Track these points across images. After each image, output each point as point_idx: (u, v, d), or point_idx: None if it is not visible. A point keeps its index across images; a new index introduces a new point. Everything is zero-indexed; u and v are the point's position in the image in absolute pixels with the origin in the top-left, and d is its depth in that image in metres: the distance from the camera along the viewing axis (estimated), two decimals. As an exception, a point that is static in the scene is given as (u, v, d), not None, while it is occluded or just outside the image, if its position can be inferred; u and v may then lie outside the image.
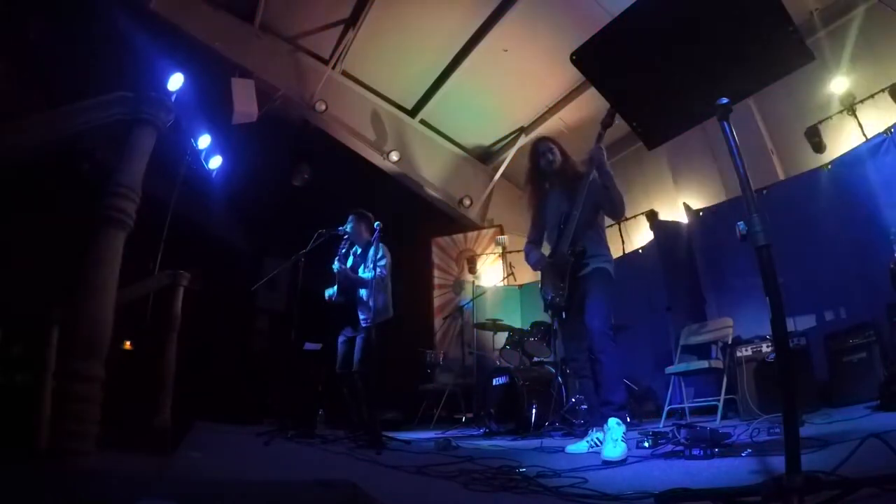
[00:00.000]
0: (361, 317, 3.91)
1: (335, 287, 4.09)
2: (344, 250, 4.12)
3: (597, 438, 2.62)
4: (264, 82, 6.09)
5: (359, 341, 3.87)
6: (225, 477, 2.10)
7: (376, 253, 3.78)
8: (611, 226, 6.10)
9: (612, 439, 2.27)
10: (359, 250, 4.16)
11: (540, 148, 3.03)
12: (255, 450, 3.09)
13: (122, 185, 1.42)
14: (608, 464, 2.15)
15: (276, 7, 6.00)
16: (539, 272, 2.99)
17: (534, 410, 4.06)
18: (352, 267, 4.09)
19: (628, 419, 4.24)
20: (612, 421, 2.38)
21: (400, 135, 7.29)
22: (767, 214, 1.28)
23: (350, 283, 4.01)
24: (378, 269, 3.79)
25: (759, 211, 1.30)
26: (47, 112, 1.44)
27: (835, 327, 3.82)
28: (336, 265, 4.03)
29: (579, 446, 2.69)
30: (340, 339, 4.08)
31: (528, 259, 3.10)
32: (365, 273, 3.95)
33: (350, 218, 4.15)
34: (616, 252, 6.18)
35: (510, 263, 7.34)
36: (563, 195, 2.90)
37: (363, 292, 3.93)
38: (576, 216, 2.70)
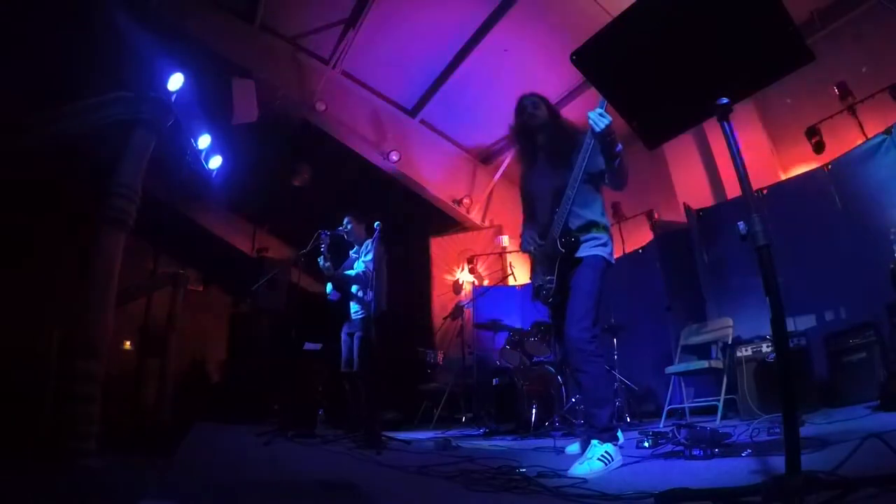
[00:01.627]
0: (353, 310, 4.09)
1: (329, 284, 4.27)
2: (353, 252, 4.25)
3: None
4: (264, 82, 6.07)
5: (356, 341, 3.93)
6: (225, 477, 2.10)
7: (374, 251, 3.81)
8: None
9: (588, 458, 2.08)
10: (359, 249, 4.22)
11: (524, 102, 2.60)
12: (255, 450, 3.08)
13: (122, 185, 1.42)
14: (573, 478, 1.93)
15: (276, 7, 6.00)
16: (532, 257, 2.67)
17: (534, 410, 4.06)
18: (352, 265, 4.15)
19: (627, 419, 4.28)
20: (596, 441, 2.17)
21: (400, 135, 7.29)
22: (767, 214, 1.28)
23: (340, 281, 4.17)
24: (364, 265, 3.99)
25: (759, 211, 1.30)
26: (48, 112, 1.44)
27: (835, 327, 3.82)
28: (321, 263, 4.11)
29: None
30: (344, 336, 4.12)
31: (521, 248, 2.78)
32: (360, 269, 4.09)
33: (346, 219, 4.22)
34: (616, 252, 6.13)
35: (510, 263, 7.33)
36: (552, 166, 2.50)
37: (354, 287, 4.13)
38: (570, 196, 2.33)
